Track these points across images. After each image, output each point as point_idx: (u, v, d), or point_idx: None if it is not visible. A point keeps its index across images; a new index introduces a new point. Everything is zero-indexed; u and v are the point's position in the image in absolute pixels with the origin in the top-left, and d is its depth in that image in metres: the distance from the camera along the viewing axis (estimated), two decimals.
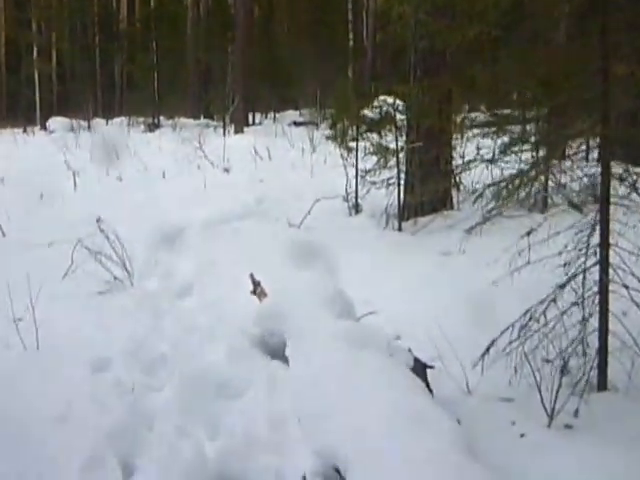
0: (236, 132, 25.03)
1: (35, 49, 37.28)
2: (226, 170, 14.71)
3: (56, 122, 33.97)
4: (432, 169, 8.85)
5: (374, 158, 9.61)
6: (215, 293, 6.54)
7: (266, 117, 37.73)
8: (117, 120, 35.92)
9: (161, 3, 36.30)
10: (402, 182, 8.95)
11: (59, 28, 40.74)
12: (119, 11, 47.09)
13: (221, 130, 27.59)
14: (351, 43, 35.58)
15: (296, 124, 31.70)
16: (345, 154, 10.56)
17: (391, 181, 8.97)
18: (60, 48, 42.79)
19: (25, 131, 34.38)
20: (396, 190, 8.88)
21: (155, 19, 34.93)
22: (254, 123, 33.01)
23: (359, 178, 9.65)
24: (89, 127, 33.97)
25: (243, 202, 10.61)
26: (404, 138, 9.29)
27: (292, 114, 37.78)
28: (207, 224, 9.31)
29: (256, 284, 5.84)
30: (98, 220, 7.58)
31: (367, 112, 23.85)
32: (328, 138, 22.56)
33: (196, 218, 9.57)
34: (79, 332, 5.73)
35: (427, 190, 8.50)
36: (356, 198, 9.70)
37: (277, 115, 36.74)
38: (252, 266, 6.26)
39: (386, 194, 9.09)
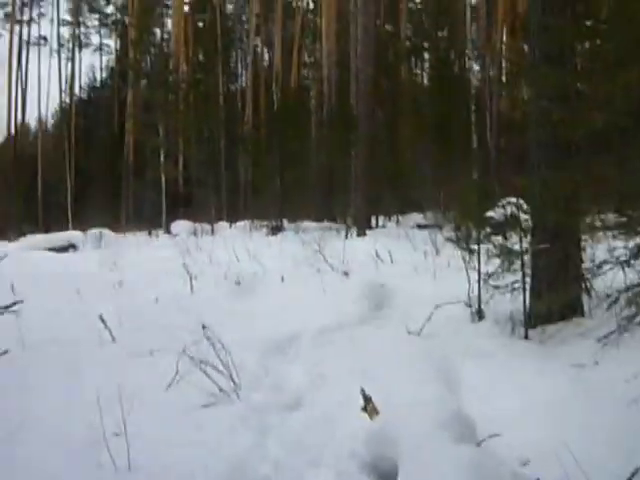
0: (358, 235, 24.80)
1: (162, 153, 37.99)
2: (346, 274, 14.37)
3: (180, 225, 34.61)
4: (560, 272, 8.24)
5: (498, 261, 9.05)
6: (325, 408, 6.17)
7: (389, 220, 37.49)
8: (241, 223, 36.23)
9: (285, 107, 36.76)
10: (528, 286, 8.37)
11: (185, 133, 41.54)
12: (244, 115, 48.17)
13: (343, 233, 27.41)
14: (475, 144, 35.23)
15: (420, 227, 31.32)
16: (467, 257, 9.92)
17: (516, 285, 8.39)
18: (186, 152, 43.78)
19: (150, 234, 35.04)
20: (521, 295, 8.33)
21: (279, 122, 35.15)
22: (377, 226, 32.77)
23: (482, 283, 9.05)
24: (212, 231, 34.32)
25: (361, 307, 10.29)
26: (529, 239, 8.66)
27: (416, 217, 37.47)
28: (323, 331, 9.02)
29: (367, 400, 5.41)
30: (204, 327, 7.25)
31: (491, 214, 23.55)
32: (451, 241, 22.32)
33: (312, 324, 9.31)
34: (176, 451, 5.40)
35: (555, 296, 7.91)
36: (479, 304, 9.15)
37: (400, 218, 36.41)
38: (365, 378, 5.88)
39: (511, 299, 8.54)
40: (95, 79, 63.87)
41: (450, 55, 36.45)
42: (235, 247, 19.54)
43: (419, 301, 10.57)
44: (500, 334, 8.16)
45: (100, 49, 63.60)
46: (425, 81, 50.30)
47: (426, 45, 48.40)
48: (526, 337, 7.91)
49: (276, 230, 32.07)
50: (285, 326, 9.37)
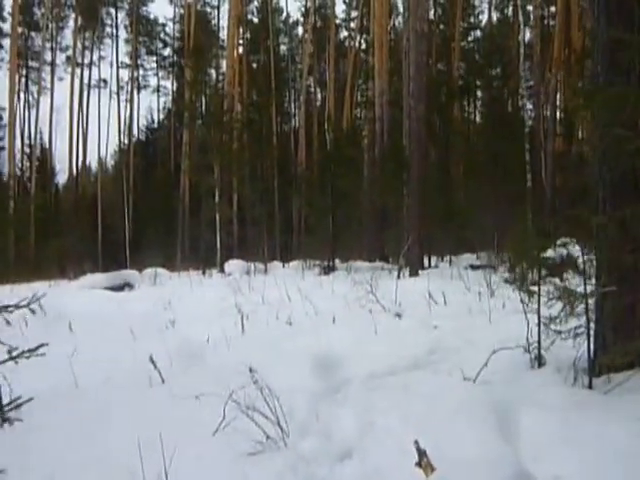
0: (411, 275, 24.37)
1: (217, 193, 37.99)
2: (398, 315, 13.96)
3: (233, 265, 34.50)
4: (627, 318, 7.56)
5: (559, 304, 8.54)
6: (376, 460, 5.76)
7: (442, 260, 37.03)
8: (293, 263, 36.09)
9: (338, 146, 36.52)
10: (592, 331, 7.86)
11: (239, 172, 41.57)
12: (297, 154, 48.24)
13: (395, 273, 27.02)
14: (529, 184, 34.64)
15: (473, 267, 30.84)
16: (525, 299, 9.42)
17: (579, 330, 7.88)
18: (241, 192, 43.85)
19: (204, 273, 34.98)
20: (585, 341, 7.84)
21: (332, 162, 34.95)
22: (430, 266, 32.32)
23: (542, 326, 8.55)
24: (265, 270, 34.17)
25: (414, 351, 9.86)
26: (593, 281, 8.11)
27: (469, 257, 36.98)
28: (374, 375, 8.61)
29: (422, 454, 5.01)
30: (251, 370, 6.91)
31: (548, 254, 23.01)
32: (506, 282, 21.80)
33: (363, 368, 8.89)
34: None
35: (621, 343, 7.42)
36: (539, 349, 8.59)
37: (453, 258, 35.92)
38: (419, 428, 5.47)
39: (573, 345, 8.04)
40: (153, 120, 64.70)
41: (503, 93, 35.85)
42: (287, 287, 19.39)
43: (474, 345, 10.18)
44: (562, 383, 7.65)
45: (157, 91, 64.65)
46: (477, 119, 49.74)
47: (478, 83, 48.06)
48: (590, 386, 7.39)
49: (328, 270, 31.81)
50: (336, 369, 9.00)
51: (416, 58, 27.96)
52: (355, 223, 36.73)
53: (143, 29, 60.12)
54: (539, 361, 8.53)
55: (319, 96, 56.59)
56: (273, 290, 19.52)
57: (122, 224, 47.97)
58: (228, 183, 42.18)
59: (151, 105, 72.73)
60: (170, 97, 63.52)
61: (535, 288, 8.94)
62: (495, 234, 31.41)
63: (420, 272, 26.49)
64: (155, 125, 65.45)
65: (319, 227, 35.71)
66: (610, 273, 7.64)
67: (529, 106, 40.08)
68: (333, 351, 10.37)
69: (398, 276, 26.12)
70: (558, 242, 23.79)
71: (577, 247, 22.82)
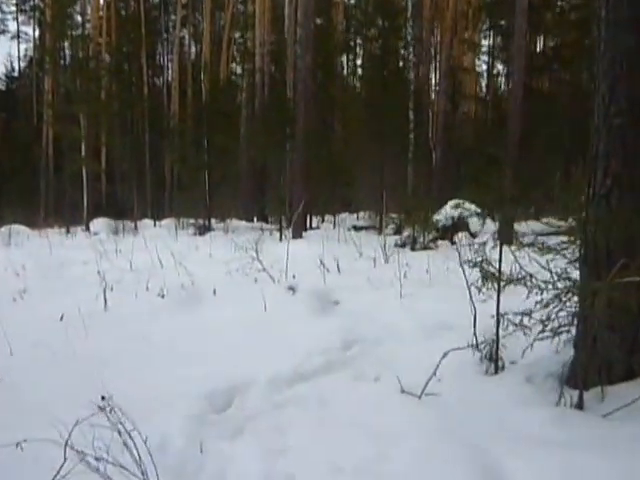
0: (294, 237, 22.21)
1: (83, 146, 35.04)
2: (291, 289, 11.71)
3: (100, 224, 31.82)
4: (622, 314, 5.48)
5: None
6: None
7: (322, 221, 35.16)
8: (166, 222, 33.55)
9: (214, 99, 33.92)
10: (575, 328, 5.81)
11: (107, 124, 38.62)
12: (170, 106, 45.45)
13: (277, 234, 24.94)
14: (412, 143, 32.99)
15: (356, 228, 29.35)
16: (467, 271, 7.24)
17: (554, 325, 5.78)
18: (109, 146, 40.99)
19: (68, 232, 32.08)
20: (562, 340, 5.82)
21: (207, 115, 32.37)
22: (311, 227, 30.34)
23: (498, 317, 6.42)
24: (135, 228, 31.64)
25: (323, 343, 7.70)
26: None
27: (348, 217, 35.36)
28: (276, 381, 6.46)
29: None
30: (104, 399, 4.48)
31: (438, 217, 21.39)
32: (398, 245, 20.06)
33: (261, 368, 6.73)
34: None
35: (625, 345, 5.41)
36: (496, 350, 6.49)
37: (340, 218, 34.12)
38: None
39: (552, 343, 5.99)
40: (13, 69, 59.82)
41: (388, 50, 33.83)
42: (159, 249, 17.13)
43: (397, 334, 8.18)
44: (542, 401, 5.55)
45: (18, 37, 59.12)
46: (361, 77, 47.52)
47: (360, 41, 46.08)
48: (580, 406, 5.32)
49: (204, 230, 29.46)
50: (221, 372, 6.80)
51: (305, 3, 25.61)
52: (233, 181, 34.37)
53: None
54: (496, 365, 6.45)
55: (194, 49, 53.51)
56: (143, 253, 17.08)
57: None
58: (95, 136, 39.47)
59: (11, 52, 68.39)
60: (32, 44, 57.54)
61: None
62: (383, 194, 29.71)
63: (304, 234, 24.46)
64: (15, 74, 60.22)
65: (194, 184, 33.14)
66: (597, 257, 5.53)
67: (416, 63, 38.42)
68: (215, 338, 8.23)
69: (280, 238, 24.14)
70: (451, 203, 22.44)
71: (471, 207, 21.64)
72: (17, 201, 38.18)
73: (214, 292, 11.96)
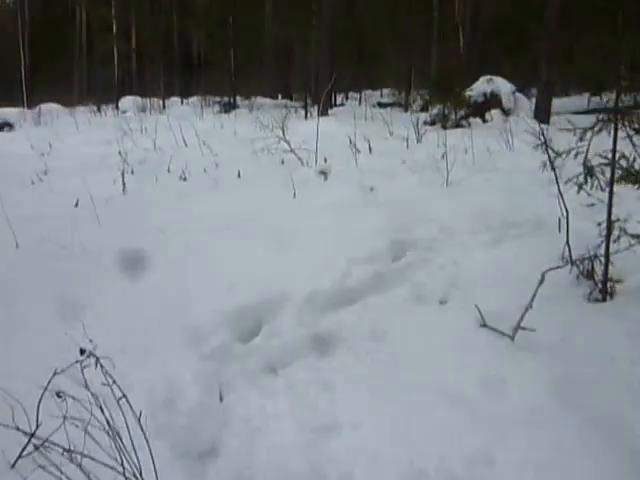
0: (320, 114, 20.35)
1: (114, 26, 33.12)
2: (322, 173, 9.95)
3: (128, 101, 30.05)
4: None
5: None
6: None
7: (347, 98, 33.11)
8: (193, 99, 31.64)
9: None
10: None
11: (136, 4, 36.39)
12: None
13: (302, 112, 23.04)
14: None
15: (381, 105, 27.36)
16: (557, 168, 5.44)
17: None
18: (139, 26, 38.90)
19: (99, 110, 30.38)
20: None
21: None
22: (336, 104, 28.34)
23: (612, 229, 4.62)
24: (163, 107, 29.84)
25: (367, 247, 5.94)
26: None
27: (372, 94, 33.35)
28: (314, 301, 4.86)
29: None
30: (83, 353, 2.89)
31: (470, 93, 19.33)
32: (427, 123, 18.15)
33: (292, 281, 5.13)
34: None
35: None
36: (606, 268, 4.68)
37: (364, 95, 32.08)
38: None
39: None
40: None
41: None
42: (183, 128, 15.32)
43: (451, 234, 6.44)
44: None
45: None
46: None
47: None
48: None
49: (229, 107, 27.55)
50: (245, 282, 5.23)
51: None
52: (258, 59, 32.21)
53: None
54: (605, 289, 4.67)
55: None
56: (168, 132, 15.28)
57: (18, 61, 41.85)
58: (125, 17, 37.33)
59: None
60: None
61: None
62: (412, 70, 27.65)
63: (329, 111, 22.52)
64: None
65: (220, 62, 31.01)
66: None
67: None
68: (238, 235, 6.59)
69: (305, 115, 22.28)
70: (483, 79, 20.36)
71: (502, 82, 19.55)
72: (52, 81, 36.27)
73: (238, 175, 10.36)
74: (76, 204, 8.58)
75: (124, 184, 9.67)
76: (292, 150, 11.67)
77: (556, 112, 18.84)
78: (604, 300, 4.69)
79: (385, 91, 33.71)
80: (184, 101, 32.52)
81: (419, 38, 29.17)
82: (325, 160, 11.04)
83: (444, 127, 17.58)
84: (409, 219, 6.74)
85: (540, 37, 19.25)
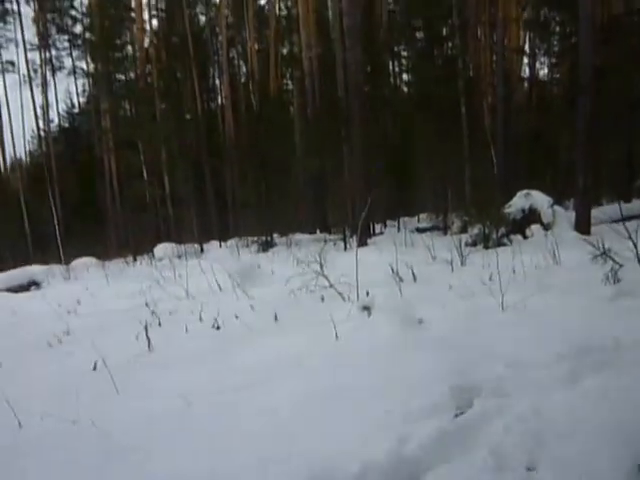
0: (359, 245, 19.65)
1: (145, 172, 33.31)
2: (365, 308, 9.07)
3: (164, 248, 29.61)
4: None
5: None
6: None
7: (385, 226, 32.57)
8: (231, 242, 31.32)
9: (266, 112, 31.64)
10: None
11: (165, 147, 37.57)
12: (224, 128, 43.36)
13: (341, 244, 22.41)
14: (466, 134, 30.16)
15: (419, 230, 26.84)
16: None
17: None
18: (170, 171, 39.24)
19: (135, 259, 30.21)
20: None
21: (260, 130, 30.05)
22: (374, 233, 27.74)
23: None
24: (202, 251, 29.51)
25: (424, 396, 4.99)
26: None
27: (409, 220, 32.85)
28: None
29: None
30: None
31: (509, 210, 18.67)
32: (469, 244, 17.41)
33: (337, 449, 4.26)
34: None
35: None
36: None
37: (401, 222, 31.56)
38: None
39: None
40: (72, 105, 57.30)
41: (433, 39, 30.68)
42: (219, 271, 14.77)
43: (521, 369, 5.45)
44: None
45: (74, 72, 56.09)
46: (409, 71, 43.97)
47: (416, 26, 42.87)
48: None
49: (266, 246, 27.03)
50: (276, 460, 4.33)
51: None
52: (292, 194, 31.89)
53: (49, 3, 52.98)
54: None
55: (244, 69, 51.04)
56: (201, 277, 14.81)
57: (50, 215, 42.04)
58: (155, 162, 37.75)
59: (69, 88, 66.11)
60: (87, 79, 53.73)
61: None
62: (448, 192, 27.13)
63: (368, 241, 21.89)
64: (76, 109, 56.93)
65: (254, 201, 30.75)
66: None
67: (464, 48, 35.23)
68: (277, 398, 5.71)
69: (345, 247, 21.65)
70: (520, 194, 19.72)
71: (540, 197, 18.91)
72: (88, 234, 36.34)
73: (275, 318, 9.56)
74: (94, 367, 7.87)
75: (148, 340, 8.89)
76: (331, 285, 10.91)
77: (594, 222, 18.19)
78: None
79: (422, 216, 33.21)
80: (222, 244, 32.14)
81: (451, 159, 28.84)
82: (367, 293, 10.20)
83: (486, 247, 16.96)
84: (467, 356, 5.80)
85: (571, 147, 18.89)
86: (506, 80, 28.34)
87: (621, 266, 8.78)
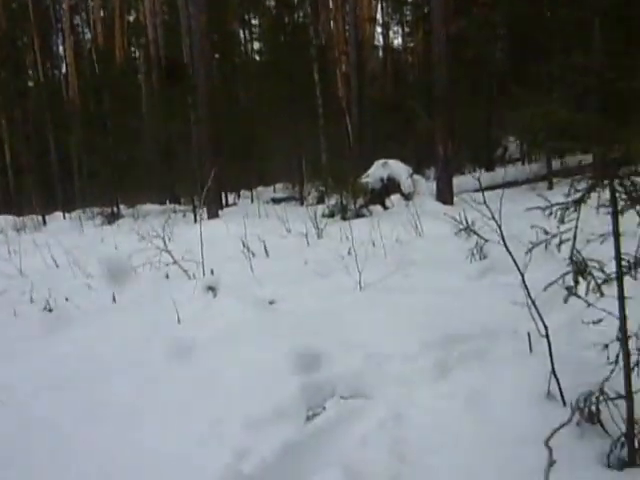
0: (210, 217, 18.78)
1: None
2: (211, 289, 8.32)
3: (2, 221, 27.70)
4: None
5: None
6: None
7: (238, 197, 31.76)
8: (76, 213, 29.75)
9: (110, 80, 30.24)
10: None
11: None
12: (68, 97, 41.52)
13: (191, 216, 21.51)
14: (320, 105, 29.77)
15: (275, 201, 26.20)
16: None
17: None
18: (12, 139, 37.18)
19: None
20: None
21: (104, 97, 28.76)
22: (227, 204, 26.85)
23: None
24: (44, 223, 27.90)
25: (269, 397, 4.25)
26: None
27: (264, 191, 32.20)
28: None
29: None
30: None
31: (367, 179, 18.23)
32: (326, 215, 16.89)
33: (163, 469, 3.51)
34: None
35: None
36: (630, 415, 3.12)
37: (248, 192, 30.88)
38: None
39: None
40: None
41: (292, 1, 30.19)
42: (61, 245, 13.88)
43: (379, 363, 4.81)
44: None
45: None
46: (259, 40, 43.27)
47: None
48: None
49: (112, 218, 25.74)
50: None
51: None
52: (140, 163, 30.50)
53: None
54: (632, 448, 3.14)
55: (89, 36, 48.94)
56: (39, 253, 13.60)
57: None
58: None
59: None
60: None
61: None
62: (303, 162, 26.64)
63: (220, 212, 21.06)
64: None
65: (100, 170, 29.24)
66: None
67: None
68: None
69: (195, 219, 20.74)
70: (378, 163, 19.31)
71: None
72: None
73: (113, 299, 8.73)
74: None
75: None
76: (176, 262, 10.13)
77: (456, 192, 18.07)
78: (633, 463, 3.19)
79: (278, 186, 32.65)
80: (66, 216, 30.55)
81: (305, 127, 28.38)
82: (212, 272, 9.47)
83: (344, 218, 16.44)
84: (322, 345, 5.11)
85: (430, 116, 18.79)
86: (359, 49, 27.94)
87: (486, 241, 8.39)
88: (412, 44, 38.74)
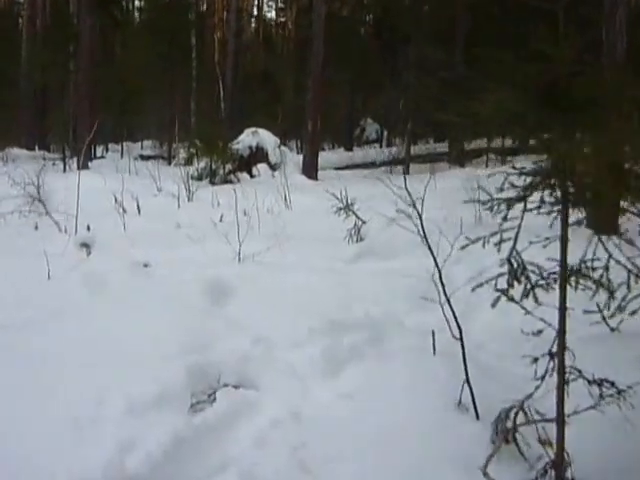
0: (79, 167, 17.74)
1: None
2: (85, 245, 7.61)
3: None
4: None
5: None
6: None
7: (107, 150, 30.33)
8: None
9: None
10: None
11: None
12: None
13: (61, 165, 20.30)
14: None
15: (143, 157, 25.21)
16: None
17: None
18: None
19: None
20: None
21: None
22: (96, 156, 25.51)
23: None
24: None
25: (151, 381, 3.67)
26: None
27: (133, 146, 30.91)
28: None
29: None
30: None
31: (237, 146, 17.67)
32: (195, 178, 16.21)
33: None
34: None
35: None
36: (561, 441, 2.68)
37: (116, 146, 29.61)
38: None
39: None
40: None
41: None
42: None
43: (272, 349, 4.34)
44: None
45: None
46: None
47: None
48: None
49: None
50: None
51: None
52: (13, 105, 28.65)
53: None
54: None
55: None
56: None
57: None
58: None
59: None
60: None
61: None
62: (175, 120, 25.77)
63: (89, 164, 19.94)
64: None
65: None
66: None
67: None
68: None
69: (64, 169, 19.59)
70: (248, 131, 18.77)
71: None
72: None
73: None
74: None
75: None
76: (48, 213, 9.35)
77: (320, 167, 17.89)
78: None
79: (146, 143, 31.45)
80: None
81: (180, 89, 27.53)
82: (88, 228, 8.75)
83: (212, 183, 15.99)
84: (206, 324, 4.57)
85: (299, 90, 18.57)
86: (238, 16, 27.26)
87: (364, 223, 8.12)
88: (284, 18, 38.44)
